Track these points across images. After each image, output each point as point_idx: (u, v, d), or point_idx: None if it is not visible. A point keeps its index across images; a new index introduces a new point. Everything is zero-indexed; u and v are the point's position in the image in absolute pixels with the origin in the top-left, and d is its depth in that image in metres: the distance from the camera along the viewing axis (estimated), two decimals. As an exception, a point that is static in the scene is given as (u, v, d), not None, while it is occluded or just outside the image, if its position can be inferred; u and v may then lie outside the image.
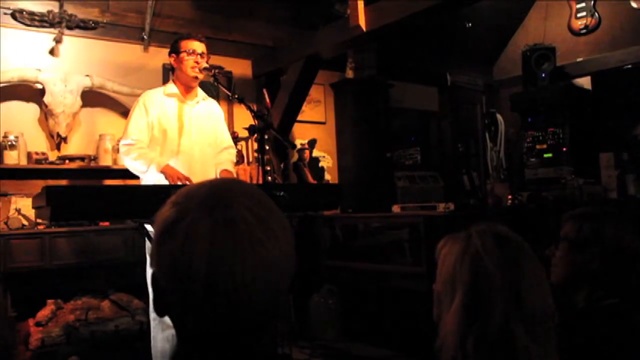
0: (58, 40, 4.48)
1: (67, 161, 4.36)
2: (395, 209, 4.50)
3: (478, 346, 1.12)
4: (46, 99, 4.27)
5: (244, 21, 5.47)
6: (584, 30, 6.16)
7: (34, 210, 3.66)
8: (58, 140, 4.40)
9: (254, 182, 4.33)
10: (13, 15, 4.31)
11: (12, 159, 4.12)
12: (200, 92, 3.38)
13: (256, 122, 2.98)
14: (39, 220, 3.95)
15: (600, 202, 4.50)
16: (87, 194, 2.37)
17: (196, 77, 3.23)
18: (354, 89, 5.92)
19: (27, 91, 4.35)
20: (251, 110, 3.03)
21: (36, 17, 4.38)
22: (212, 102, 3.47)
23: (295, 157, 5.56)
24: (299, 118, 5.54)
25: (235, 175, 3.68)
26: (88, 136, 4.63)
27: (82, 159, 4.42)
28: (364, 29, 4.33)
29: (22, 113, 4.39)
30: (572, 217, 1.70)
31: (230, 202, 0.82)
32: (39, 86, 4.29)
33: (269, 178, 4.30)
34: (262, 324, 0.84)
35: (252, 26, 5.52)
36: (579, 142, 5.89)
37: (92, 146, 4.59)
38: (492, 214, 4.47)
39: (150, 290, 2.97)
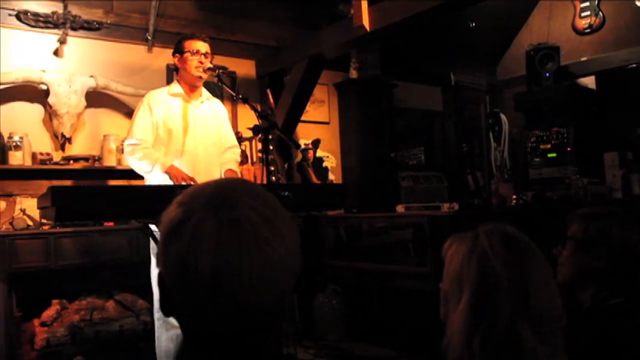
0: (62, 41, 4.49)
1: (71, 161, 4.36)
2: (400, 209, 4.50)
3: (485, 346, 1.12)
4: (50, 99, 4.28)
5: (247, 21, 5.47)
6: (588, 30, 6.14)
7: (38, 211, 3.66)
8: (62, 141, 4.41)
9: (258, 182, 4.33)
10: (18, 17, 4.33)
11: (17, 159, 4.13)
12: (204, 91, 3.38)
13: (260, 122, 2.98)
14: (43, 221, 3.95)
15: (605, 202, 4.49)
16: (92, 194, 2.38)
17: (200, 77, 3.23)
18: (358, 89, 5.91)
19: (32, 92, 4.36)
20: (255, 110, 3.03)
21: (40, 18, 4.39)
22: (216, 102, 3.48)
23: (299, 157, 5.56)
24: (303, 118, 5.54)
25: (239, 175, 3.68)
26: (92, 136, 4.63)
27: (86, 159, 4.43)
28: (368, 29, 4.32)
29: (27, 114, 4.40)
30: (579, 217, 1.70)
31: (236, 201, 0.82)
32: (44, 87, 4.30)
33: (273, 178, 4.30)
34: (267, 324, 0.84)
35: (256, 26, 5.52)
36: (583, 141, 5.87)
37: (96, 146, 4.60)
38: (496, 214, 4.46)
39: (154, 290, 2.99)
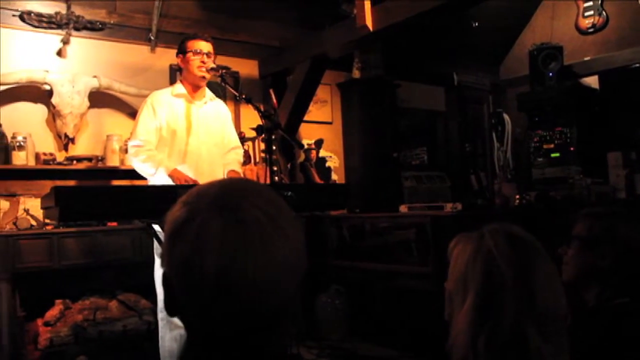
0: (65, 42, 4.50)
1: (74, 162, 4.37)
2: (403, 209, 4.49)
3: (489, 346, 1.11)
4: (54, 100, 4.29)
5: (250, 21, 5.47)
6: (591, 29, 6.13)
7: (42, 211, 3.68)
8: (66, 141, 4.42)
9: (261, 182, 4.33)
10: (21, 17, 4.34)
11: (21, 159, 4.14)
12: (208, 92, 3.38)
13: (264, 122, 2.98)
14: (47, 221, 3.96)
15: (609, 202, 4.48)
16: (95, 194, 2.38)
17: (203, 77, 3.23)
18: (361, 89, 5.91)
19: (35, 92, 4.37)
20: (259, 110, 3.03)
21: (44, 19, 4.40)
22: (219, 103, 3.48)
23: (302, 157, 5.56)
24: (306, 118, 5.54)
25: (242, 176, 3.68)
26: (95, 137, 4.64)
27: (89, 159, 4.44)
28: (371, 28, 4.32)
29: (30, 114, 4.41)
30: (584, 216, 1.70)
31: (241, 201, 0.82)
32: (47, 87, 4.30)
33: (276, 178, 4.30)
34: (272, 324, 0.83)
35: (259, 26, 5.53)
36: (587, 141, 5.85)
37: (99, 147, 4.61)
38: (499, 214, 4.46)
39: (158, 290, 2.99)
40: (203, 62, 3.19)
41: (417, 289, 3.99)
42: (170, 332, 2.99)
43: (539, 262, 1.17)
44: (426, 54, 6.45)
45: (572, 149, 5.84)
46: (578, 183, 4.81)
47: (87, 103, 4.43)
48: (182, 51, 3.25)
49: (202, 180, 2.96)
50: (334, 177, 5.95)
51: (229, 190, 0.86)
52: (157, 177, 3.08)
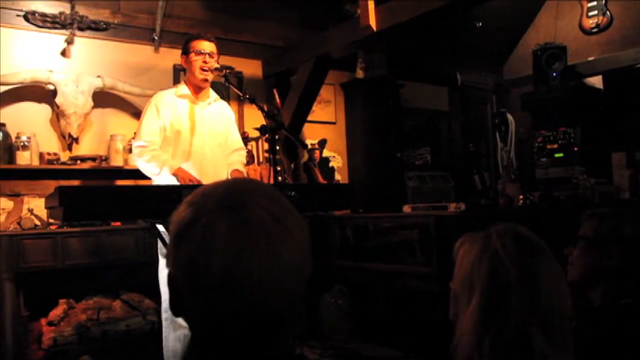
0: (69, 42, 4.51)
1: (78, 161, 4.38)
2: (406, 209, 4.49)
3: (495, 346, 1.11)
4: (58, 99, 4.30)
5: (254, 21, 5.47)
6: (595, 29, 6.12)
7: (46, 211, 3.68)
8: (70, 141, 4.42)
9: (265, 182, 4.33)
10: (25, 17, 4.34)
11: (25, 159, 4.15)
12: (212, 93, 3.38)
13: (267, 121, 2.98)
14: (51, 220, 3.96)
15: (613, 202, 4.47)
16: (99, 194, 2.38)
17: (204, 80, 3.22)
18: (364, 89, 5.91)
19: (39, 92, 4.37)
20: (262, 110, 3.03)
21: (48, 19, 4.40)
22: (223, 104, 3.48)
23: (306, 157, 5.56)
24: (309, 118, 5.54)
25: (246, 176, 3.68)
26: (99, 137, 4.65)
27: (93, 159, 4.44)
28: (375, 29, 4.32)
29: (34, 114, 4.41)
30: (590, 216, 1.70)
31: (246, 201, 0.82)
32: (51, 87, 4.31)
33: (280, 178, 4.30)
34: (277, 324, 0.83)
35: (263, 26, 5.53)
36: (591, 141, 5.84)
37: (103, 146, 4.61)
38: (503, 214, 4.45)
39: (162, 289, 2.99)
40: (205, 62, 3.19)
41: (420, 289, 3.98)
42: (174, 332, 3.00)
43: (544, 263, 1.17)
44: (430, 54, 6.45)
45: (575, 149, 5.83)
46: (582, 183, 4.80)
47: (91, 103, 4.43)
48: (185, 51, 3.25)
49: (206, 180, 2.96)
50: (338, 177, 5.95)
51: (234, 191, 0.86)
52: (161, 176, 3.08)
